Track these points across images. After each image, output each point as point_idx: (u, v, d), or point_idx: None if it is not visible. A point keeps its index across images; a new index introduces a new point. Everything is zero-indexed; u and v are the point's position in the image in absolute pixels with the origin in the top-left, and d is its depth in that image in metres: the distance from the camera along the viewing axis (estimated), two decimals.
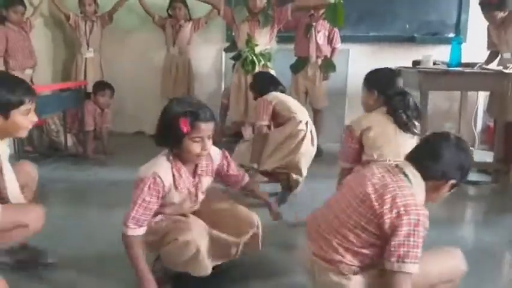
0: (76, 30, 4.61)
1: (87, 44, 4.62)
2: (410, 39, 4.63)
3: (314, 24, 4.10)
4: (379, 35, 4.71)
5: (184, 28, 4.66)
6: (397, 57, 4.43)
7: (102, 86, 4.23)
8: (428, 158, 1.51)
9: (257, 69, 3.82)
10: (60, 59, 4.95)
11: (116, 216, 2.61)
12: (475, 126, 4.56)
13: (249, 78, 3.79)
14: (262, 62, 3.84)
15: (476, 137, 4.55)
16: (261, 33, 3.84)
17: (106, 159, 4.06)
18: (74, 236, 2.43)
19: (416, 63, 3.86)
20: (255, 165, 2.86)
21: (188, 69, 4.75)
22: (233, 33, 4.15)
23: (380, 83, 2.24)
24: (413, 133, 2.14)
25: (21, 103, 1.69)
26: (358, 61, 4.74)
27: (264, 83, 3.07)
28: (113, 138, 4.40)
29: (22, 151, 3.41)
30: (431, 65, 3.70)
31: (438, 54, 4.00)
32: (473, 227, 2.80)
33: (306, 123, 2.86)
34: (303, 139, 2.80)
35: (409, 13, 4.66)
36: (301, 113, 2.89)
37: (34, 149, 4.14)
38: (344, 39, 4.30)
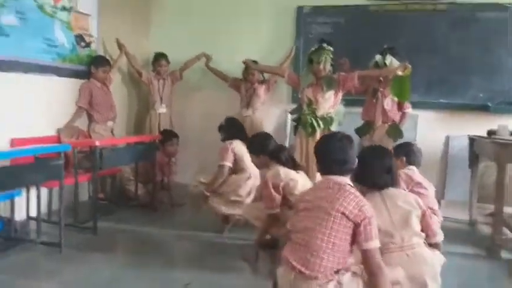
0: (150, 87, 4.91)
1: (161, 100, 4.89)
2: (483, 108, 4.47)
3: (381, 89, 4.08)
4: (449, 102, 4.61)
5: (258, 91, 4.81)
6: (469, 126, 4.30)
7: (169, 135, 4.46)
8: None
9: (318, 132, 3.82)
10: (133, 113, 5.25)
11: (176, 272, 2.65)
12: None
13: (310, 141, 3.74)
14: (322, 126, 3.80)
15: None
16: (324, 97, 3.83)
17: (173, 211, 4.15)
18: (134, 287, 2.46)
19: (491, 132, 3.70)
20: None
21: (257, 128, 4.68)
22: (299, 96, 4.18)
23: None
24: None
25: None
26: (427, 127, 4.64)
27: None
28: (180, 190, 4.47)
29: (95, 198, 3.58)
30: (507, 135, 3.53)
31: None
32: None
33: None
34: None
35: (482, 82, 4.54)
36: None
37: (105, 196, 4.35)
38: (413, 105, 4.21)
